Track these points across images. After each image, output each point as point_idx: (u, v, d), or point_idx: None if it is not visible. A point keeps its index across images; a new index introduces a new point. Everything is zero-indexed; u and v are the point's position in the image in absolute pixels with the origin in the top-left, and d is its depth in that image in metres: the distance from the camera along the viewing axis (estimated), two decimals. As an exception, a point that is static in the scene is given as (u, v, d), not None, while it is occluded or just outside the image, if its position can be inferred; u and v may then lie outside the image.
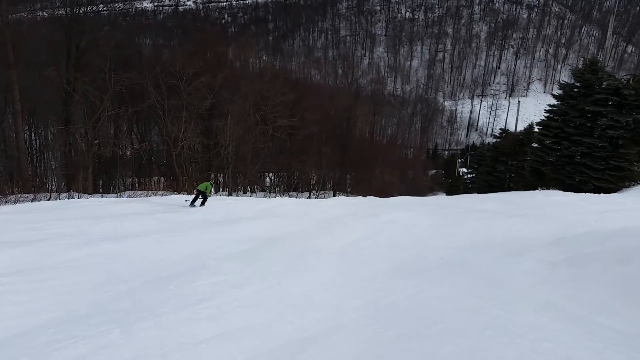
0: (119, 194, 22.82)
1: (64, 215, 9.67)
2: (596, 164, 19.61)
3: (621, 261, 5.92)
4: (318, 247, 7.75)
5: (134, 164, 33.90)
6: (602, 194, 17.65)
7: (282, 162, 40.17)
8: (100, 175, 31.34)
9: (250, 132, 31.73)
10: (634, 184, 20.11)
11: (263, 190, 38.26)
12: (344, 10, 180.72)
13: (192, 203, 13.65)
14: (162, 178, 32.62)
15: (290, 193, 38.26)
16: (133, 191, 23.65)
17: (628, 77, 20.90)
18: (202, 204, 13.73)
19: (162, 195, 19.58)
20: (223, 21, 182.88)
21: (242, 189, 34.92)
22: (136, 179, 33.52)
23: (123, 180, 33.36)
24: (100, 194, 23.20)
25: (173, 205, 13.16)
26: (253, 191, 36.25)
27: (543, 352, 3.19)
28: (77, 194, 19.95)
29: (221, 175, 35.55)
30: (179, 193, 21.24)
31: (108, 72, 24.91)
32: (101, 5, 31.42)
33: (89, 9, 26.51)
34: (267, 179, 41.43)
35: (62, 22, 25.94)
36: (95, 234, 7.91)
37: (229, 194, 28.55)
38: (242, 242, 7.77)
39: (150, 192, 22.42)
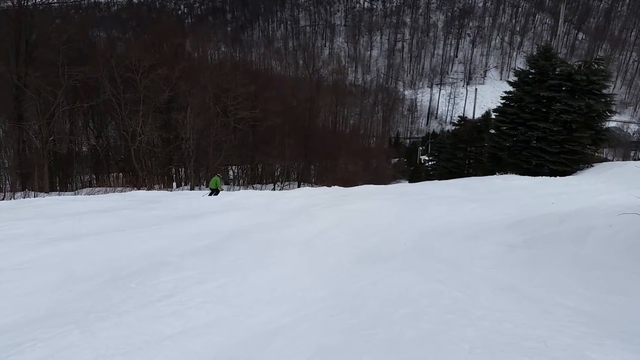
0: (76, 191, 22.18)
1: (19, 215, 9.31)
2: (551, 148, 20.29)
3: (576, 241, 6.17)
4: (283, 238, 7.73)
5: (91, 160, 32.98)
6: (557, 177, 18.30)
7: (245, 154, 39.83)
8: (56, 172, 30.33)
9: (211, 125, 31.32)
10: (587, 166, 20.88)
11: (226, 183, 37.87)
12: (303, 0, 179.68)
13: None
14: (120, 174, 31.93)
15: (255, 185, 38.02)
16: (91, 188, 23.08)
17: (580, 63, 21.63)
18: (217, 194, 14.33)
19: (122, 191, 19.14)
20: (179, 12, 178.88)
21: (205, 183, 34.47)
22: (94, 176, 32.65)
23: (80, 177, 32.42)
24: (57, 192, 22.50)
25: (133, 202, 12.87)
26: (216, 185, 35.81)
27: (503, 332, 3.29)
28: (32, 192, 19.30)
29: (182, 169, 34.97)
30: (139, 189, 20.82)
31: (61, 67, 24.12)
32: (51, -2, 30.37)
33: (38, 1, 25.54)
34: (231, 172, 41.02)
35: (10, 15, 24.85)
36: (53, 233, 7.64)
37: (192, 188, 28.14)
38: (205, 237, 7.67)
39: (109, 188, 21.95)
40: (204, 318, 4.25)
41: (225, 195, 15.66)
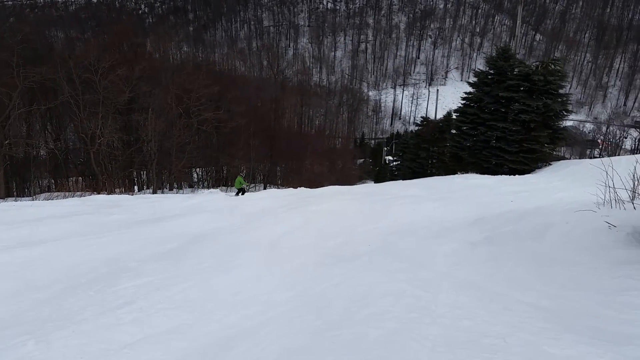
0: (34, 196, 21.43)
1: (-29, 222, 8.89)
2: (510, 147, 20.84)
3: (534, 238, 6.34)
4: (248, 241, 7.66)
5: (49, 164, 31.91)
6: (516, 175, 18.80)
7: (210, 156, 39.34)
8: (12, 177, 29.23)
9: (173, 126, 30.79)
10: (545, 165, 21.53)
11: (190, 186, 37.33)
12: (266, 1, 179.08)
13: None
14: (80, 178, 31.05)
15: (220, 187, 37.61)
16: (50, 193, 22.35)
17: (537, 63, 22.27)
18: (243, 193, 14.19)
19: (81, 196, 18.57)
20: (140, 12, 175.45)
21: (167, 186, 33.86)
22: (53, 180, 31.62)
23: (38, 182, 31.34)
24: (14, 198, 21.69)
25: (93, 206, 12.49)
26: (180, 188, 35.28)
27: (464, 329, 3.34)
28: (-14, 198, 18.53)
29: (144, 172, 34.25)
30: (99, 193, 20.27)
31: (16, 68, 23.26)
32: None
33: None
34: (195, 175, 40.44)
35: (-41, 14, 23.88)
36: (9, 240, 7.32)
37: (154, 192, 27.60)
38: (168, 241, 7.52)
39: (68, 193, 21.30)
40: (165, 324, 4.16)
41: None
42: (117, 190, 25.55)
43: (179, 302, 4.70)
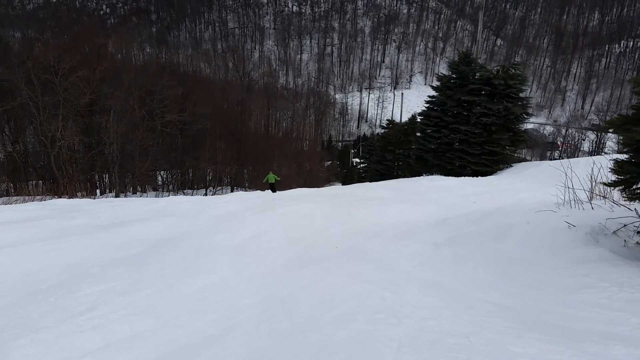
0: (-9, 201, 20.56)
1: None
2: (473, 150, 21.26)
3: (497, 238, 6.48)
4: (213, 245, 7.54)
5: (7, 167, 30.72)
6: (479, 177, 19.21)
7: (174, 159, 38.68)
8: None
9: (136, 129, 30.15)
10: (507, 167, 22.04)
11: (155, 189, 36.60)
12: (231, 2, 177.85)
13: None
14: (40, 182, 30.06)
15: (185, 191, 37.05)
16: (8, 197, 21.53)
17: (498, 68, 22.80)
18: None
19: (42, 200, 17.96)
20: (101, 12, 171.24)
21: (131, 189, 33.11)
22: (11, 184, 30.46)
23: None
24: (-31, 203, 20.76)
25: (53, 211, 12.07)
26: (144, 191, 34.54)
27: (429, 329, 3.38)
28: (-62, 204, 17.66)
29: (106, 175, 33.40)
30: (60, 197, 19.64)
31: (-30, 69, 22.36)
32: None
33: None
34: (159, 178, 39.68)
35: None
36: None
37: (117, 195, 26.94)
38: (131, 246, 7.33)
39: (28, 197, 20.57)
40: (128, 331, 4.05)
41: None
42: (79, 194, 24.84)
43: (142, 308, 4.59)
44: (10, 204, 16.55)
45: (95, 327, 4.06)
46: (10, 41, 48.46)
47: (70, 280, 5.46)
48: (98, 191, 31.19)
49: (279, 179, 14.98)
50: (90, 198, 19.80)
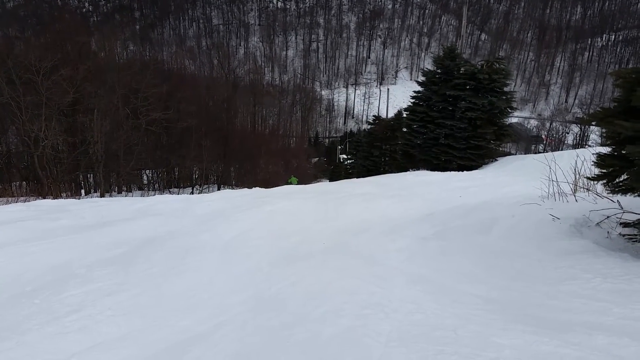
0: (-28, 203, 20.22)
1: None
2: (458, 144, 21.43)
3: (481, 232, 6.54)
4: (200, 244, 7.50)
5: (-11, 168, 30.26)
6: (464, 172, 19.33)
7: (160, 157, 38.28)
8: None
9: (120, 128, 29.82)
10: (492, 161, 22.23)
11: (140, 188, 36.27)
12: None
13: None
14: (24, 182, 29.64)
15: (172, 189, 36.79)
16: None
17: (482, 62, 22.97)
18: None
19: (25, 201, 17.73)
20: (84, 10, 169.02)
21: (116, 189, 32.78)
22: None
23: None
24: (-51, 205, 20.38)
25: (37, 212, 11.91)
26: (129, 190, 34.20)
27: (416, 323, 3.41)
28: None
29: (91, 175, 33.01)
30: (44, 197, 19.42)
31: (-52, 68, 21.94)
32: None
33: None
34: (145, 177, 39.31)
35: None
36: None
37: (102, 195, 26.66)
38: (117, 246, 7.26)
39: (11, 198, 20.28)
40: (114, 332, 4.02)
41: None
42: (63, 194, 24.56)
43: (129, 308, 4.56)
44: (-7, 205, 16.33)
45: (81, 328, 4.02)
46: (-10, 40, 47.67)
47: (56, 281, 5.40)
48: (83, 191, 30.81)
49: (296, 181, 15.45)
50: (75, 198, 19.58)
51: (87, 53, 36.15)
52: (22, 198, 20.52)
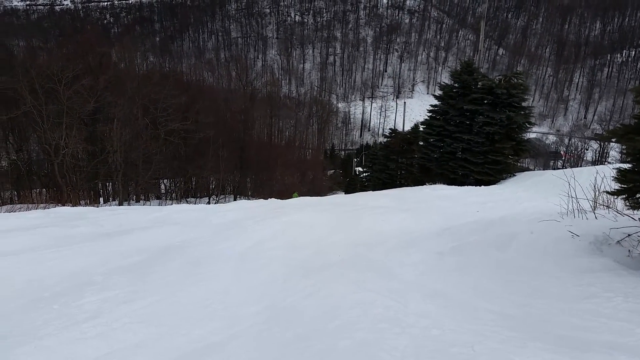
0: (-5, 209, 20.63)
1: None
2: (476, 159, 21.23)
3: (499, 247, 6.45)
4: (216, 253, 7.54)
5: (11, 175, 30.85)
6: (482, 186, 19.14)
7: (178, 167, 38.73)
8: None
9: (139, 137, 30.25)
10: (510, 176, 21.96)
11: (158, 197, 36.64)
12: (234, 12, 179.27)
13: None
14: (44, 190, 30.15)
15: (189, 199, 37.07)
16: (12, 205, 21.62)
17: (500, 77, 22.80)
18: None
19: (45, 208, 18.02)
20: (105, 22, 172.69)
21: (134, 198, 33.15)
22: (15, 192, 30.57)
23: (0, 193, 30.25)
24: (-27, 210, 20.82)
25: (57, 219, 12.10)
26: (147, 199, 34.58)
27: (432, 338, 3.37)
28: (-57, 211, 17.74)
29: (110, 183, 33.47)
30: (63, 205, 19.70)
31: (-25, 77, 22.53)
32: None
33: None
34: (162, 186, 39.72)
35: None
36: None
37: (120, 203, 26.98)
38: (134, 254, 7.33)
39: (31, 205, 20.64)
40: (130, 339, 4.05)
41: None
42: (82, 202, 24.91)
43: (145, 316, 4.59)
44: (14, 211, 16.62)
45: (98, 335, 4.06)
46: (15, 50, 48.87)
47: (74, 287, 5.47)
48: (101, 199, 31.25)
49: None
50: (93, 206, 19.86)
51: (107, 63, 36.87)
52: (41, 205, 20.85)
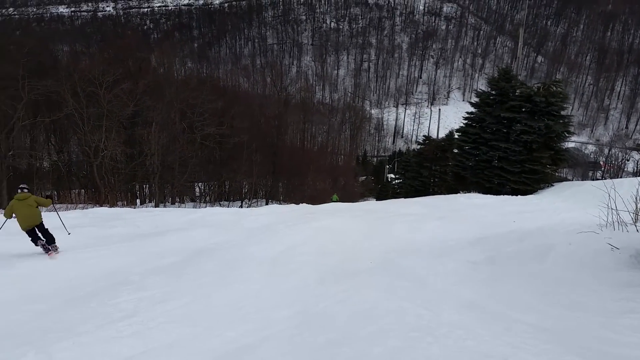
0: (35, 208, 21.38)
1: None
2: (512, 167, 20.79)
3: (536, 259, 6.32)
4: (248, 256, 7.65)
5: (52, 176, 31.95)
6: (519, 196, 18.72)
7: (212, 171, 39.36)
8: (15, 188, 29.21)
9: (176, 141, 30.89)
10: (547, 186, 21.39)
11: (193, 200, 37.30)
12: (270, 19, 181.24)
13: None
14: (83, 190, 31.09)
15: (222, 202, 37.56)
16: (52, 204, 22.36)
17: (539, 85, 22.29)
18: None
19: (84, 208, 18.62)
20: (145, 27, 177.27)
21: (170, 200, 33.84)
22: (55, 192, 31.63)
23: (41, 193, 31.33)
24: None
25: (95, 219, 12.50)
26: (182, 201, 35.25)
27: (466, 349, 3.33)
28: (-12, 209, 18.56)
29: (147, 186, 34.26)
30: (101, 205, 20.30)
31: (21, 80, 23.44)
32: (11, 9, 29.60)
33: (-3, 13, 24.95)
34: (197, 189, 40.42)
35: (-34, 27, 24.19)
36: (10, 251, 7.36)
37: (156, 205, 27.59)
38: (169, 255, 7.51)
39: (70, 205, 21.32)
40: (165, 339, 4.15)
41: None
42: (120, 203, 25.57)
43: (179, 316, 4.69)
44: (54, 211, 17.23)
45: (134, 334, 4.17)
46: (59, 55, 50.66)
47: (111, 287, 5.65)
48: (138, 201, 32.00)
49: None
50: (130, 207, 20.40)
51: (147, 68, 37.84)
52: (80, 205, 21.54)
